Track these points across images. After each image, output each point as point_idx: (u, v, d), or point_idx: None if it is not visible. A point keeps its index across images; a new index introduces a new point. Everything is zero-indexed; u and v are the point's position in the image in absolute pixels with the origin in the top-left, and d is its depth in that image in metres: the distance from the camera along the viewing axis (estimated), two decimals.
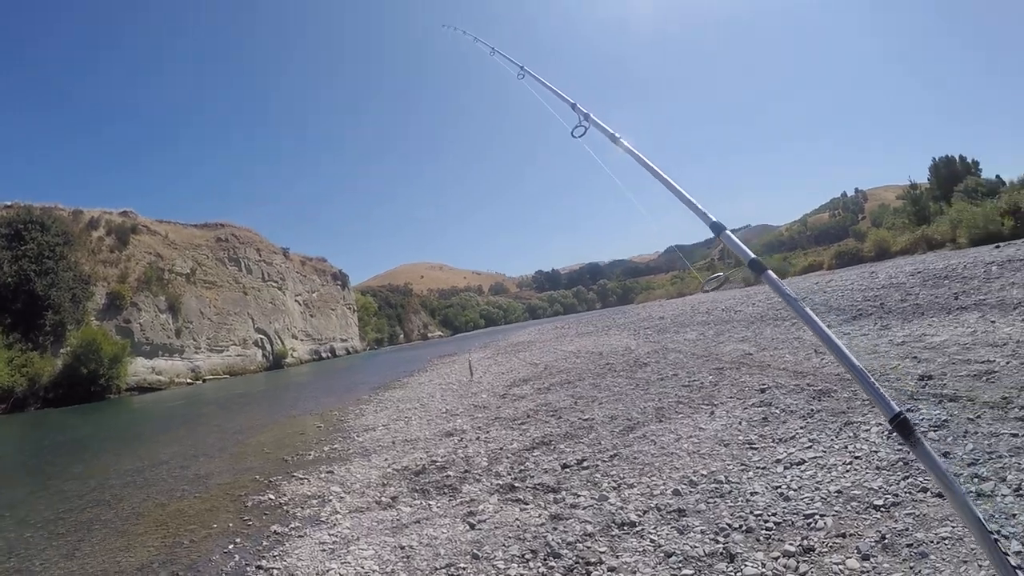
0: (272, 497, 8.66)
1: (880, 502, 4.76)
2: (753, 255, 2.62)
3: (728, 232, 2.79)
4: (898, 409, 1.97)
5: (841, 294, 19.88)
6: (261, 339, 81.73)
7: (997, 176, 49.96)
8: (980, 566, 3.64)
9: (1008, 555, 1.96)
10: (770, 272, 2.56)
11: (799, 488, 5.32)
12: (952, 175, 52.36)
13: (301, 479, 9.45)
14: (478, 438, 9.97)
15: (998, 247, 23.90)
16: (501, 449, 8.83)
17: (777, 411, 7.86)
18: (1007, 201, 30.95)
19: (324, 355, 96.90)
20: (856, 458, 5.68)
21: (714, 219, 2.85)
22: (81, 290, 54.09)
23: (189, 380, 62.56)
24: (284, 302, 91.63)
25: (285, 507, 8.07)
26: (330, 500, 7.91)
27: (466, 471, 7.99)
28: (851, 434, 6.36)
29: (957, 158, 55.23)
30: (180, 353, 65.06)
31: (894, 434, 2.78)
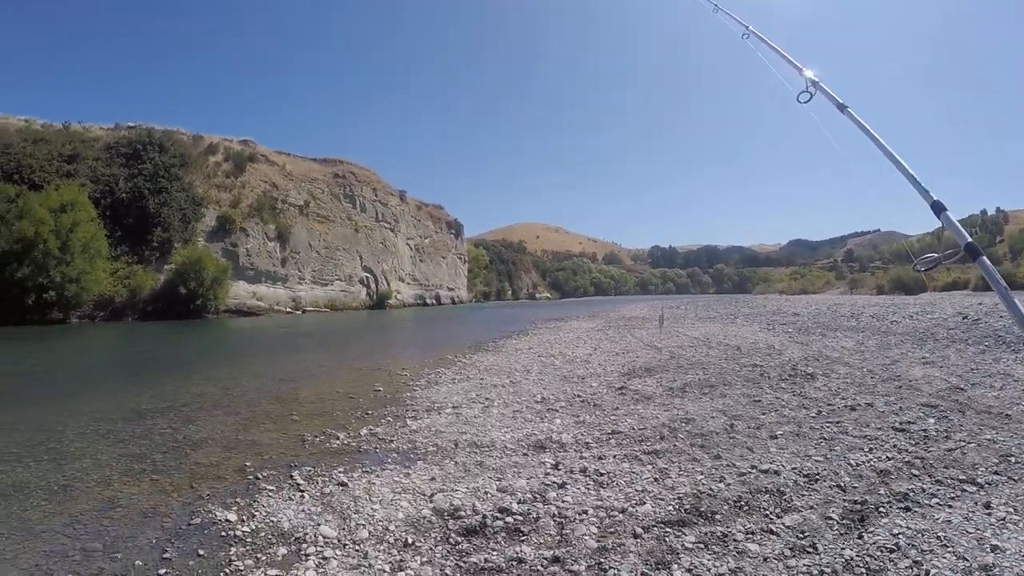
0: (226, 520, 5.37)
1: None
2: (970, 239, 2.52)
3: (948, 213, 2.69)
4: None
5: None
6: (367, 277, 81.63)
7: None
8: None
9: None
10: (986, 259, 2.45)
11: None
12: None
13: (295, 488, 6.10)
14: (585, 471, 6.28)
15: None
16: (623, 512, 5.14)
17: None
18: None
19: (429, 301, 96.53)
20: None
21: (935, 198, 2.77)
22: (192, 211, 56.04)
23: (289, 309, 62.85)
24: (395, 244, 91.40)
25: (228, 547, 4.84)
26: (306, 555, 4.56)
27: (554, 555, 4.37)
28: None
29: None
30: (284, 282, 65.46)
31: None
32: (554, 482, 5.91)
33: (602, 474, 6.08)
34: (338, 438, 8.28)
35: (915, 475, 5.85)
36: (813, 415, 8.27)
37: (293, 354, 21.78)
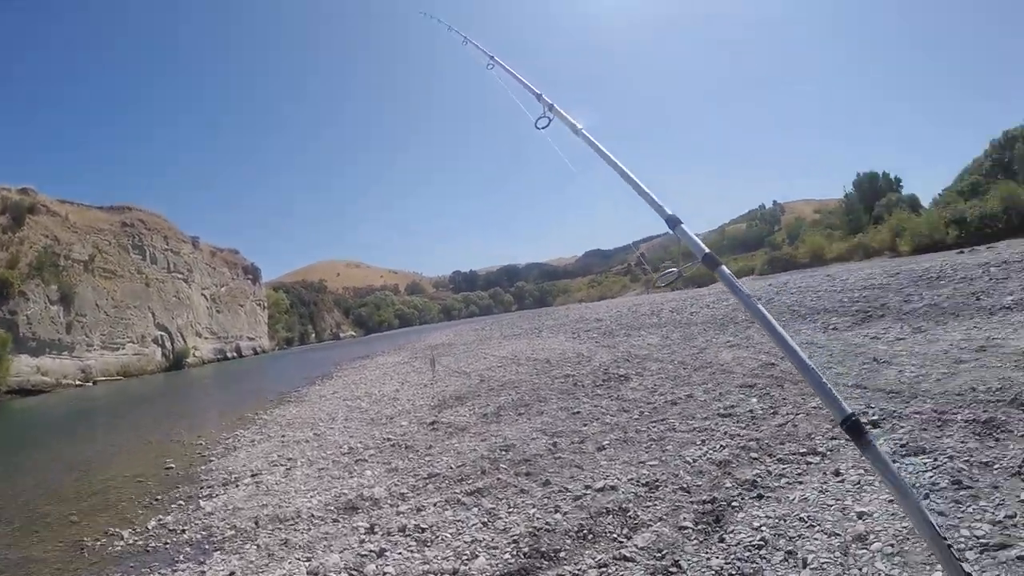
0: None
1: None
2: (708, 250, 2.55)
3: (683, 227, 2.71)
4: (850, 411, 1.91)
5: (812, 297, 17.33)
6: (161, 336, 76.73)
7: (913, 195, 49.56)
8: None
9: (963, 562, 2.12)
10: (725, 268, 2.46)
11: None
12: (874, 190, 52.33)
13: None
14: (404, 529, 5.50)
15: (968, 252, 21.86)
16: (456, 574, 4.45)
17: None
18: (952, 211, 31.19)
19: (230, 355, 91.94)
20: None
21: (670, 212, 2.78)
22: None
23: (78, 382, 57.68)
24: (189, 296, 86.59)
25: None
26: None
27: None
28: None
29: (880, 174, 54.82)
30: (71, 351, 59.83)
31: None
32: (371, 550, 5.15)
33: (424, 529, 5.37)
34: (122, 538, 7.13)
35: (755, 458, 5.61)
36: (636, 417, 7.92)
37: (82, 435, 19.71)
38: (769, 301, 18.62)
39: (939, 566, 2.74)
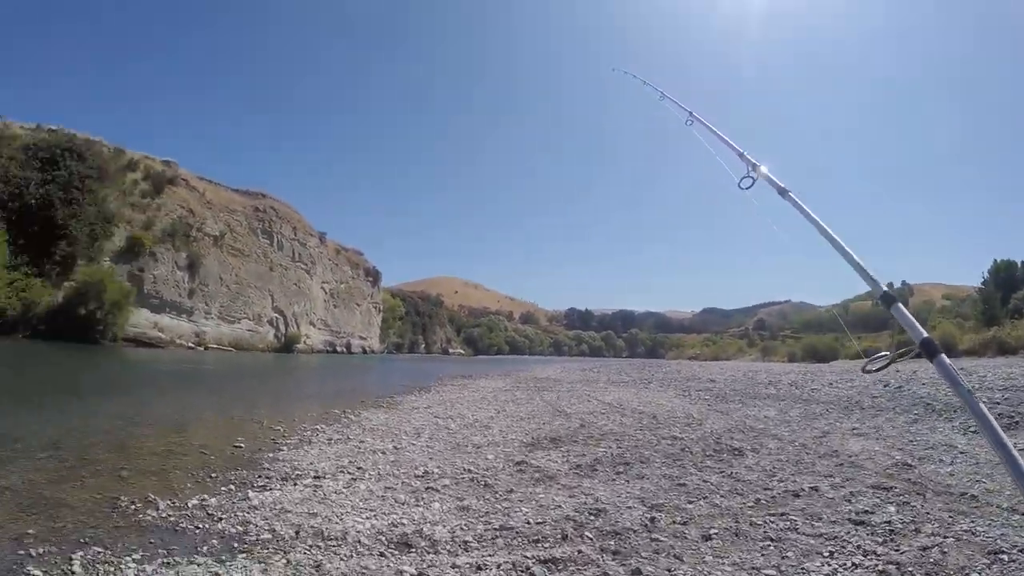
0: None
1: None
2: (926, 334, 2.25)
3: (899, 305, 2.44)
4: None
5: (948, 391, 15.31)
6: (277, 318, 79.44)
7: None
8: None
9: None
10: (944, 357, 2.14)
11: None
12: (1012, 280, 48.74)
13: None
14: (456, 566, 4.86)
15: None
16: None
17: None
18: None
19: (339, 349, 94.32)
20: None
21: (885, 288, 2.54)
22: (102, 228, 53.72)
23: (191, 345, 60.49)
24: (309, 287, 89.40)
25: None
26: None
27: None
28: None
29: (1020, 263, 51.01)
30: (189, 315, 63.18)
31: None
32: None
33: None
34: (158, 508, 6.48)
35: None
36: (751, 504, 6.74)
37: (173, 394, 19.86)
38: (898, 389, 17.17)
39: None
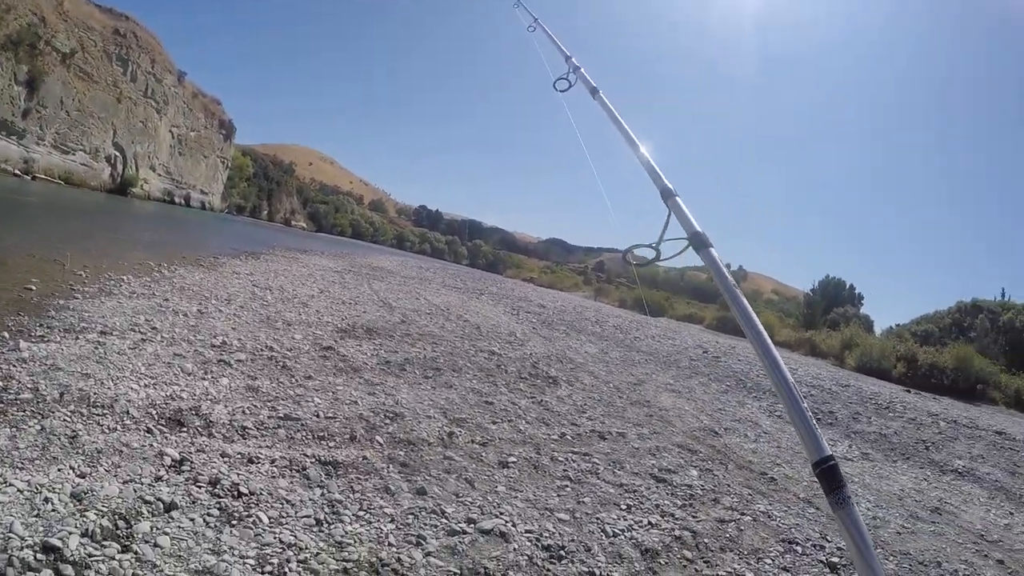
0: None
1: None
2: (699, 228, 2.20)
3: (678, 199, 2.38)
4: (829, 452, 1.54)
5: (759, 373, 15.90)
6: (115, 156, 74.13)
7: (868, 315, 50.03)
8: None
9: None
10: (713, 250, 2.14)
11: None
12: (836, 297, 52.36)
13: None
14: (217, 483, 4.08)
15: (914, 393, 20.11)
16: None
17: None
18: (906, 348, 30.69)
19: (177, 200, 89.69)
20: None
21: (665, 183, 2.49)
22: None
23: (17, 171, 55.41)
24: (157, 127, 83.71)
25: None
26: None
27: None
28: None
29: (848, 284, 54.88)
30: (20, 137, 57.19)
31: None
32: (159, 499, 3.67)
33: (239, 495, 3.92)
34: None
35: (688, 561, 4.33)
36: (555, 438, 6.54)
37: None
38: (716, 358, 17.70)
39: None
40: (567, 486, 5.11)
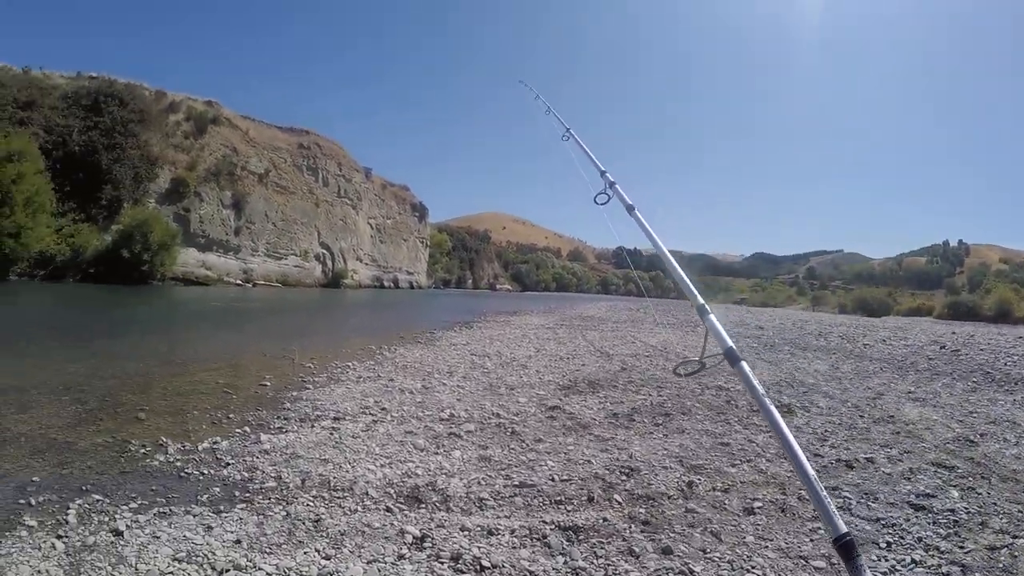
0: None
1: None
2: (731, 344, 2.47)
3: (712, 318, 2.64)
4: (845, 530, 1.81)
5: (1007, 361, 15.04)
6: (323, 254, 79.92)
7: None
8: None
9: None
10: (744, 364, 2.38)
11: None
12: None
13: (58, 530, 4.33)
14: (459, 558, 4.07)
15: None
16: None
17: None
18: None
19: (387, 284, 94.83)
20: None
21: (701, 302, 2.77)
22: (146, 170, 54.31)
23: (239, 282, 61.31)
24: (355, 222, 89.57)
25: None
26: None
27: None
28: None
29: None
30: (236, 252, 63.87)
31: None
32: None
33: (483, 569, 3.91)
34: (167, 452, 6.18)
35: None
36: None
37: (211, 331, 19.67)
38: (955, 352, 16.43)
39: None
40: (818, 528, 4.78)
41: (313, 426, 7.37)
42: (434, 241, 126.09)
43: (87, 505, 4.77)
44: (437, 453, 6.37)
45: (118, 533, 4.26)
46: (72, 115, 50.86)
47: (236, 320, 25.03)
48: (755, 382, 2.28)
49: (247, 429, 7.22)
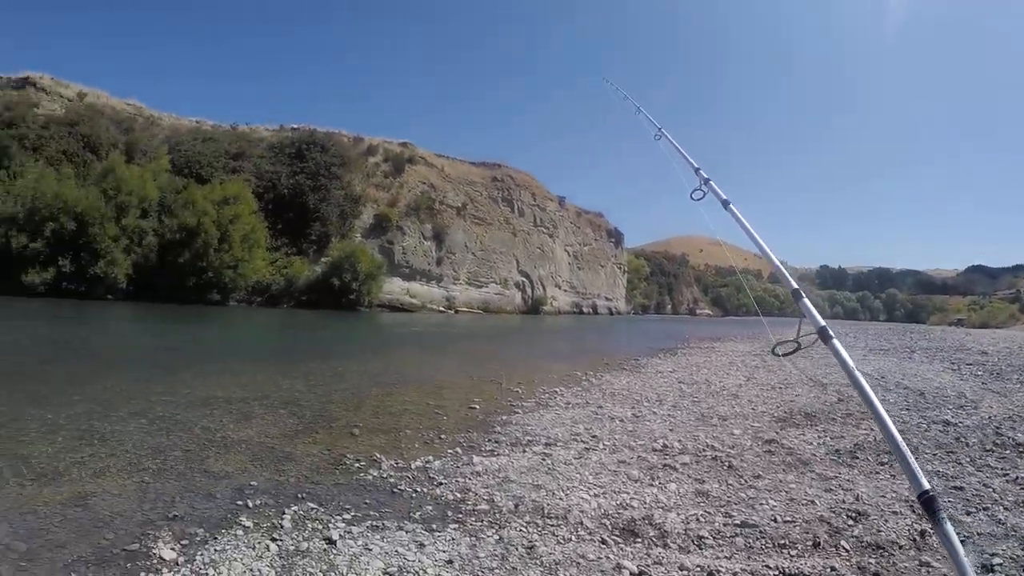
0: (160, 558, 4.28)
1: None
2: (823, 323, 2.73)
3: (805, 300, 2.92)
4: (928, 486, 2.05)
5: None
6: (523, 281, 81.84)
7: None
8: None
9: None
10: (836, 342, 2.62)
11: None
12: None
13: (273, 532, 4.84)
14: (684, 568, 4.33)
15: None
16: None
17: None
18: None
19: (585, 310, 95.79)
20: None
21: (795, 285, 3.05)
22: (350, 208, 60.53)
23: (441, 308, 64.19)
24: (552, 250, 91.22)
25: None
26: None
27: None
28: None
29: None
30: (438, 281, 67.33)
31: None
32: None
33: None
34: (380, 468, 6.63)
35: None
36: None
37: (419, 355, 20.84)
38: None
39: None
40: None
41: (524, 451, 7.55)
42: (631, 267, 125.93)
43: (302, 512, 5.15)
44: (652, 485, 6.36)
45: (331, 541, 4.56)
46: (279, 162, 58.65)
47: (443, 344, 26.05)
48: (846, 356, 2.57)
49: (458, 450, 7.52)
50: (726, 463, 7.30)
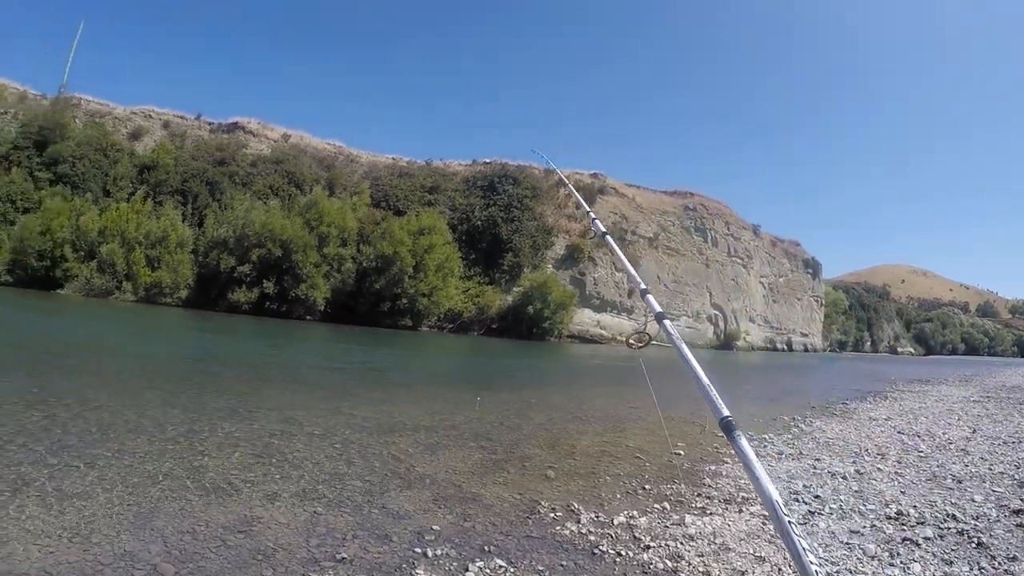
0: None
1: None
2: (660, 310, 3.41)
3: (649, 296, 3.64)
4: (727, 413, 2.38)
5: None
6: (715, 315, 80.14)
7: None
8: None
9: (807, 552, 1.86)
10: (667, 322, 3.23)
11: None
12: None
13: None
14: None
15: None
16: None
17: None
18: None
19: (780, 346, 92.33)
20: None
21: (643, 285, 3.75)
22: (542, 239, 61.25)
23: (631, 341, 63.17)
24: (747, 281, 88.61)
25: None
26: None
27: None
28: None
29: None
30: (629, 312, 66.82)
31: None
32: None
33: None
34: (579, 521, 6.12)
35: None
36: None
37: (614, 389, 19.99)
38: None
39: None
40: None
41: (740, 511, 6.87)
42: (829, 300, 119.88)
43: (488, 569, 4.75)
44: (893, 565, 5.49)
45: None
46: (472, 195, 60.73)
47: (636, 379, 25.26)
48: (675, 335, 3.04)
49: (666, 505, 6.93)
50: (974, 539, 6.24)
